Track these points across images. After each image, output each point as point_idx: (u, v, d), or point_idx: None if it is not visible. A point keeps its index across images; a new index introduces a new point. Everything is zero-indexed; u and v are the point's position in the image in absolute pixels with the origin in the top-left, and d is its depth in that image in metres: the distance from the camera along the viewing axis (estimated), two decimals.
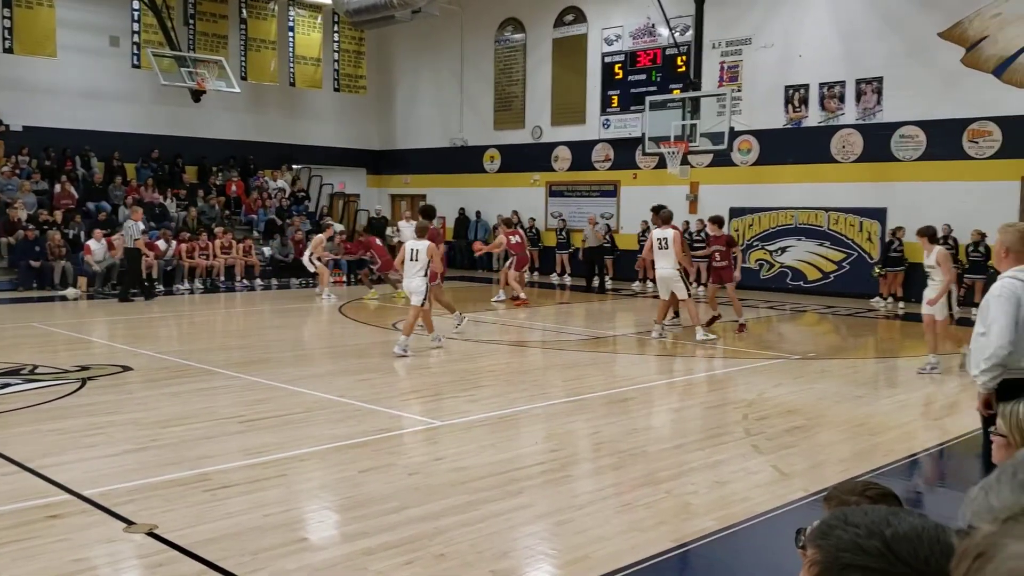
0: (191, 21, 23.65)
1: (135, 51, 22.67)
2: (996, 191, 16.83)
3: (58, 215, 19.77)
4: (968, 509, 0.52)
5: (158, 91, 22.43)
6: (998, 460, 2.89)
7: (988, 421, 4.76)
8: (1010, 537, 0.55)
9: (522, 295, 16.85)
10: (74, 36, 21.72)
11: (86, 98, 22.43)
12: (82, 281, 18.37)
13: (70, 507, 5.31)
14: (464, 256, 26.03)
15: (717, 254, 13.86)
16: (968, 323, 10.87)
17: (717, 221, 14.06)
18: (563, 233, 23.57)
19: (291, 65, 25.64)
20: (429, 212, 13.34)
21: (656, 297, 14.75)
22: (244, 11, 24.62)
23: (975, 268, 16.27)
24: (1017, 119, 16.79)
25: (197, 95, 22.37)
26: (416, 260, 11.16)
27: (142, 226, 17.77)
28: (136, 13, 22.55)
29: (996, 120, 17.10)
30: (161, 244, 19.51)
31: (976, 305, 5.01)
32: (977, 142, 17.40)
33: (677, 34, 20.71)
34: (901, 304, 17.45)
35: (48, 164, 21.74)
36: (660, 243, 12.78)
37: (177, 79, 21.74)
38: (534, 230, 23.98)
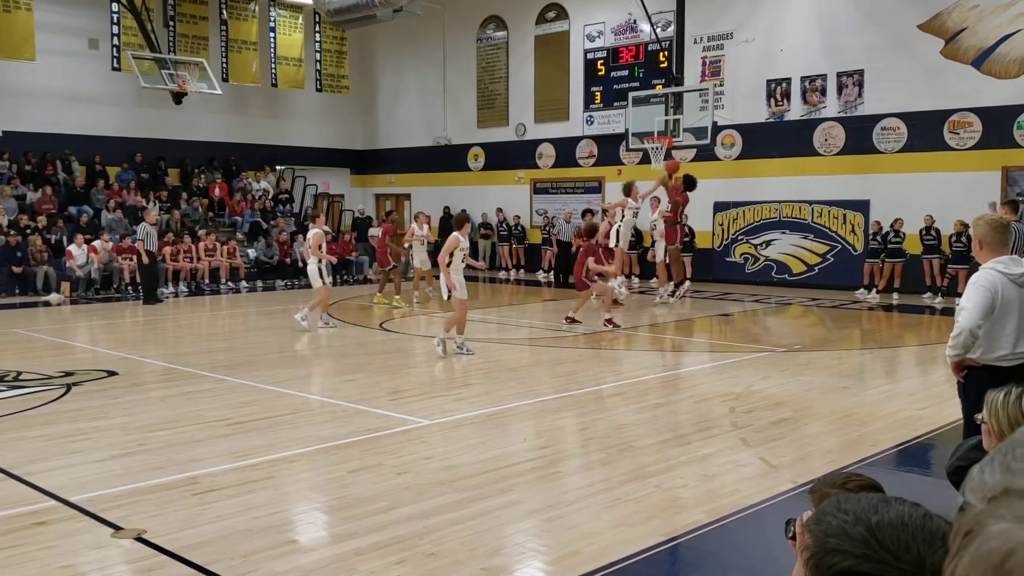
0: (171, 23, 23.50)
1: (115, 54, 22.51)
2: (977, 181, 16.95)
3: (41, 220, 19.63)
4: (967, 487, 0.56)
5: (139, 94, 22.29)
6: (987, 447, 3.00)
7: (969, 409, 4.87)
8: (992, 517, 0.58)
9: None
10: (53, 39, 21.55)
11: (66, 101, 22.27)
12: (65, 286, 18.25)
13: (57, 513, 5.28)
14: None
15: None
16: (949, 312, 10.90)
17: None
18: (548, 230, 23.59)
19: (273, 66, 25.54)
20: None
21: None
22: (224, 12, 24.49)
23: (958, 258, 16.37)
24: (997, 110, 16.91)
25: (178, 97, 22.25)
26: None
27: (155, 227, 17.65)
28: (115, 15, 22.40)
29: (976, 111, 17.22)
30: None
31: (960, 295, 5.11)
32: (958, 133, 17.51)
33: (659, 29, 20.75)
34: (895, 296, 17.51)
35: (29, 169, 21.57)
36: None
37: (158, 81, 21.62)
38: (519, 227, 23.99)
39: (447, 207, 26.19)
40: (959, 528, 0.61)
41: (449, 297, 10.74)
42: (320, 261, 13.61)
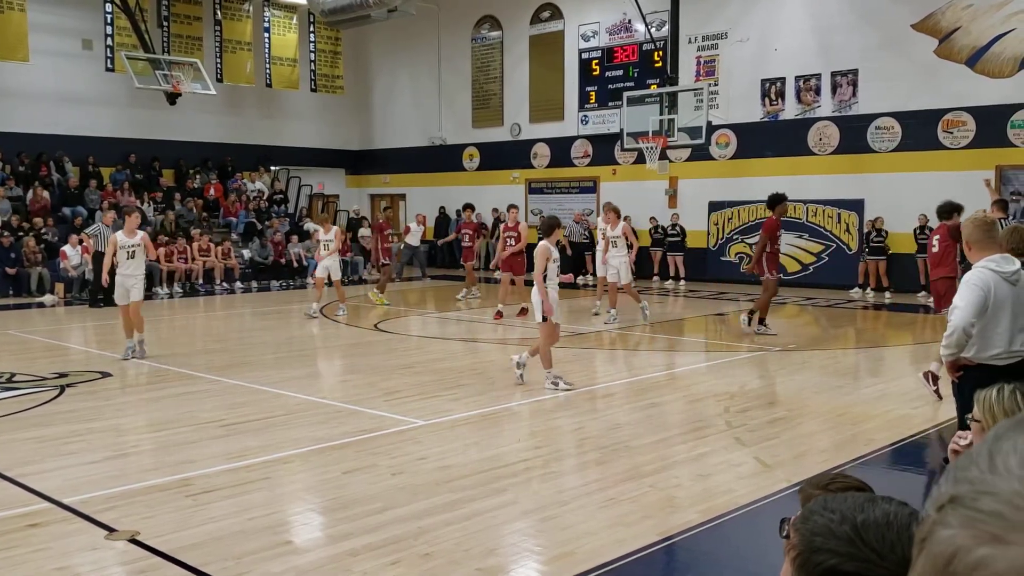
0: (165, 23, 23.46)
1: (109, 54, 22.46)
2: (971, 181, 16.95)
3: (38, 221, 19.57)
4: (928, 499, 0.63)
5: (133, 94, 22.24)
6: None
7: (963, 408, 4.87)
8: (940, 524, 0.62)
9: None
10: (47, 40, 21.49)
11: (60, 102, 22.21)
12: (59, 287, 18.20)
13: (50, 515, 5.26)
14: (445, 255, 25.99)
15: (510, 239, 15.20)
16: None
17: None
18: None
19: (267, 66, 25.49)
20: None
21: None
22: (219, 12, 24.44)
23: None
24: (990, 109, 16.95)
25: (173, 98, 22.20)
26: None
27: (111, 230, 17.54)
28: (109, 16, 22.34)
29: (970, 110, 17.26)
30: None
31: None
32: (952, 132, 17.55)
33: (653, 29, 20.75)
34: (887, 294, 17.57)
35: (23, 170, 21.52)
36: None
37: (152, 82, 21.57)
38: None
39: (443, 207, 26.18)
40: (917, 537, 0.65)
41: (544, 320, 8.89)
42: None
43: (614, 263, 13.97)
